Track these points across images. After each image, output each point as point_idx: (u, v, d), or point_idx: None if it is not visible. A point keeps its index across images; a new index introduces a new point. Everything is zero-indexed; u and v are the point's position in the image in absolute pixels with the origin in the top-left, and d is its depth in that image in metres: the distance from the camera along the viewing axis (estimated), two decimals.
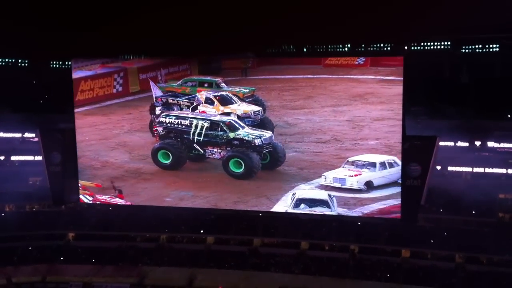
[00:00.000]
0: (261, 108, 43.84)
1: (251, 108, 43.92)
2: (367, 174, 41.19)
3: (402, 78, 42.07)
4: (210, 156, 43.38)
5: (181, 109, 44.76)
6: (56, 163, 48.08)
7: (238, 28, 57.47)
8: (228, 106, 43.78)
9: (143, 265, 54.50)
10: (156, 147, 44.42)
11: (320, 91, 44.26)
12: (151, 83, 45.79)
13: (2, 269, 53.62)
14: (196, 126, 42.92)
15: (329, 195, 42.34)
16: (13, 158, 61.23)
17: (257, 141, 41.87)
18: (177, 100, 45.00)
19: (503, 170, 51.88)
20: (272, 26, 58.55)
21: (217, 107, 43.83)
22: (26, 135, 61.18)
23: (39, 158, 51.26)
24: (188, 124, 43.32)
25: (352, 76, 44.63)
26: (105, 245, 56.67)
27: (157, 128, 44.38)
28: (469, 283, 47.98)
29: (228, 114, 43.63)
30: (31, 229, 57.46)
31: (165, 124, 43.96)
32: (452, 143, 52.44)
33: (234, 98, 44.23)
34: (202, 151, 43.28)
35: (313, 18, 59.15)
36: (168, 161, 44.06)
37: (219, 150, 42.84)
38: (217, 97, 44.23)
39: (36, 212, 59.87)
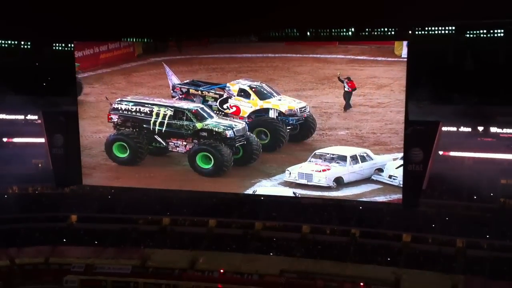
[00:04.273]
0: (307, 104, 38.01)
1: (295, 104, 37.96)
2: (336, 169, 36.68)
3: (374, 58, 38.30)
4: (173, 150, 37.95)
5: (206, 101, 38.46)
6: (58, 146, 47.87)
7: (240, 11, 56.75)
8: (268, 100, 37.86)
9: (145, 248, 54.78)
10: (110, 138, 38.89)
11: (282, 72, 39.15)
12: (166, 68, 39.85)
13: (5, 251, 53.93)
14: (158, 114, 37.47)
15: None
16: (15, 140, 61.37)
17: (229, 133, 36.66)
18: (201, 91, 38.58)
19: (506, 156, 51.81)
20: (275, 8, 57.82)
21: (255, 102, 37.73)
22: (29, 117, 61.31)
23: (41, 140, 51.31)
24: (148, 112, 37.71)
25: (318, 56, 39.35)
26: (108, 227, 56.97)
27: (112, 116, 38.64)
28: (470, 268, 48.12)
29: (267, 110, 37.69)
30: (34, 211, 57.79)
31: (120, 111, 38.29)
32: (454, 129, 52.33)
33: (271, 90, 38.30)
34: (164, 144, 37.93)
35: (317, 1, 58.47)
36: (125, 155, 38.73)
37: (185, 143, 37.48)
38: (253, 89, 38.01)
39: (39, 194, 60.22)
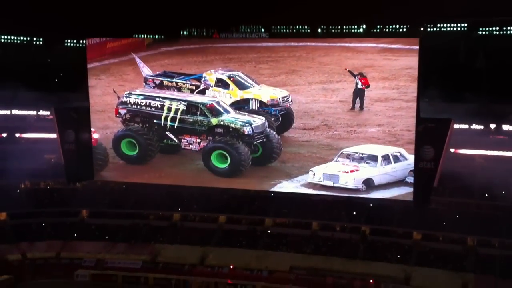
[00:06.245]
0: (289, 93, 34.86)
1: (277, 93, 34.86)
2: (366, 170, 33.11)
3: (409, 47, 34.19)
4: (186, 147, 34.98)
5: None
6: (70, 141, 47.80)
7: (250, 7, 56.52)
8: (248, 90, 34.94)
9: (155, 243, 55.11)
10: (118, 134, 36.11)
11: (306, 63, 35.40)
12: (137, 59, 37.05)
13: (17, 245, 54.41)
14: (169, 109, 34.50)
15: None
16: (28, 135, 61.83)
17: (247, 129, 33.51)
18: (175, 82, 35.79)
19: None
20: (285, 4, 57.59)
21: (234, 92, 34.91)
22: (41, 113, 61.77)
23: (53, 135, 51.60)
24: (159, 106, 34.69)
25: (346, 44, 35.61)
26: (119, 222, 57.37)
27: (120, 111, 35.84)
28: (481, 267, 47.90)
29: (247, 101, 34.91)
30: (46, 206, 58.25)
31: (129, 105, 35.51)
32: (466, 126, 52.03)
33: (248, 79, 35.37)
34: (176, 141, 34.98)
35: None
36: (134, 153, 35.87)
37: (199, 140, 34.49)
38: (231, 78, 35.14)
39: (50, 189, 60.61)
